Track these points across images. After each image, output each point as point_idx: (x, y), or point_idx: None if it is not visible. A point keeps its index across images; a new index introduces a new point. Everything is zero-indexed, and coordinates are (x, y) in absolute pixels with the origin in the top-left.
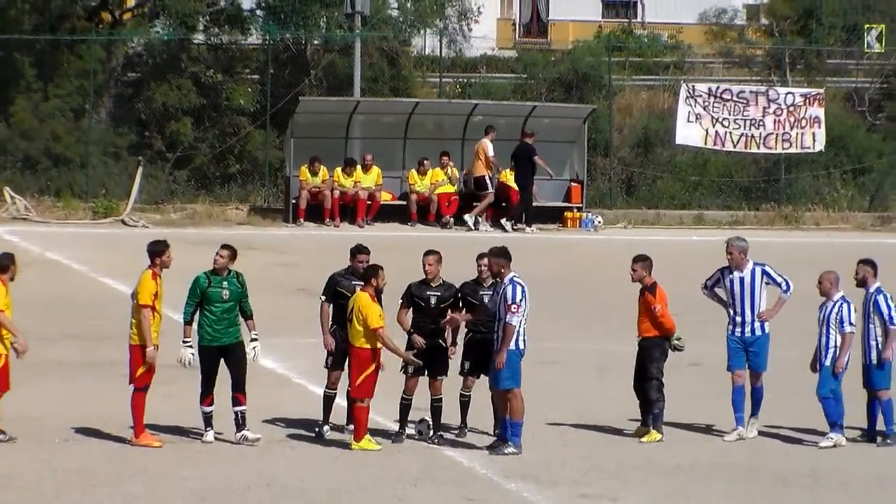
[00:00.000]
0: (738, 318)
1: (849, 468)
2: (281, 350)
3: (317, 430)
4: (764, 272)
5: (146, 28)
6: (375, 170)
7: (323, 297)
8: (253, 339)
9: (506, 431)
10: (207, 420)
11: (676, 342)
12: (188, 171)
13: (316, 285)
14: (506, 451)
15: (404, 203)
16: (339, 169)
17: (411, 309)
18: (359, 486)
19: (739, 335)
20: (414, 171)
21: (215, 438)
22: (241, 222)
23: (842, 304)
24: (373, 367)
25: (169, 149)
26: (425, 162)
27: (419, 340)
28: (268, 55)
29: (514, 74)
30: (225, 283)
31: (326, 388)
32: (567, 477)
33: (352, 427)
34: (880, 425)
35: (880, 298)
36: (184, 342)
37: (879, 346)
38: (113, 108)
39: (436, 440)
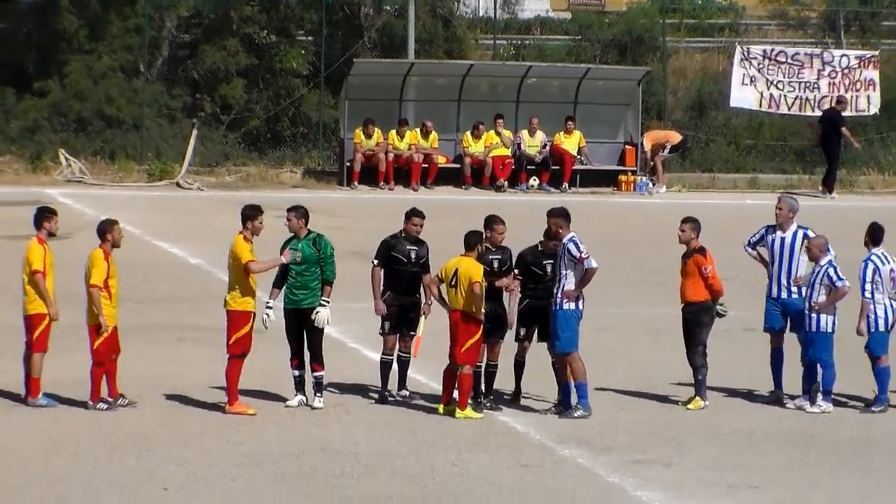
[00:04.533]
0: (775, 281)
1: None
2: (334, 314)
3: (386, 394)
4: (803, 240)
5: None
6: (433, 134)
7: (375, 262)
8: (320, 305)
9: (567, 396)
10: (295, 384)
11: (720, 307)
12: (242, 133)
13: (370, 249)
14: (575, 415)
15: (458, 166)
16: (393, 131)
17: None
18: (412, 451)
19: (776, 296)
20: (468, 134)
21: (300, 403)
22: (295, 185)
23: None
24: (479, 333)
25: (223, 111)
26: (480, 126)
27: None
28: (322, 17)
29: (568, 36)
30: (300, 245)
31: (383, 354)
32: (621, 442)
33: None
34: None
35: (867, 264)
36: (266, 303)
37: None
38: (166, 70)
39: (489, 404)
